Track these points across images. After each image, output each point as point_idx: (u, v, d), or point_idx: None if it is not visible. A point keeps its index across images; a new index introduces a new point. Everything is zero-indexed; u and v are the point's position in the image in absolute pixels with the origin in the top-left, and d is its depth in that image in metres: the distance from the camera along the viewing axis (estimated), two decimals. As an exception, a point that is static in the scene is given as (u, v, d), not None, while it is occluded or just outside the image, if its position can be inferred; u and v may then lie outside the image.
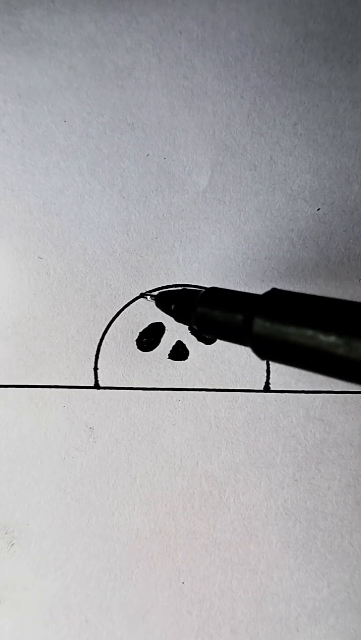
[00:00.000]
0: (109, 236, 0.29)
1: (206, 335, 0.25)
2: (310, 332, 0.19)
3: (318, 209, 0.29)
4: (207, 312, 0.23)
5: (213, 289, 0.24)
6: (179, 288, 0.28)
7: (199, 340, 0.29)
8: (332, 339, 0.18)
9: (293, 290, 0.28)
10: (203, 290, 0.24)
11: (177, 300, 0.25)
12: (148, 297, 0.28)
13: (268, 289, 0.28)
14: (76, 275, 0.29)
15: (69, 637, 0.30)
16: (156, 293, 0.28)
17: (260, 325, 0.21)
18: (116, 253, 0.29)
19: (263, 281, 0.29)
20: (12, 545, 0.30)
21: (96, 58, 0.28)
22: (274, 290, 0.22)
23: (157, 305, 0.27)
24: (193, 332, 0.29)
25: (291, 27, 0.28)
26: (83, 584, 0.30)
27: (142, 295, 0.28)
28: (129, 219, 0.29)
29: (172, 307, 0.25)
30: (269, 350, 0.21)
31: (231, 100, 0.28)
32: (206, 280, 0.29)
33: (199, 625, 0.30)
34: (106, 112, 0.29)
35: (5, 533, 0.30)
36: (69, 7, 0.28)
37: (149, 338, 0.30)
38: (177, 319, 0.26)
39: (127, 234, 0.29)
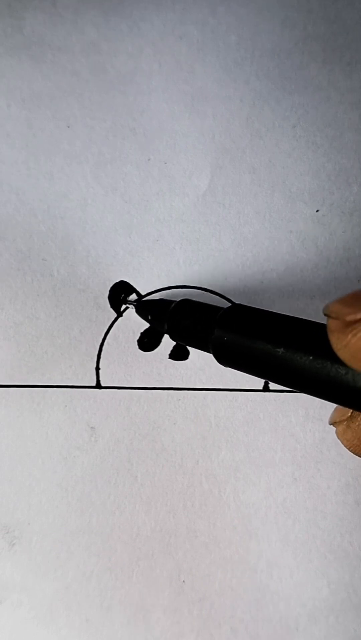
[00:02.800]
0: (112, 239, 0.28)
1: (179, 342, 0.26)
2: (261, 344, 0.20)
3: (317, 211, 0.27)
4: (176, 322, 0.25)
5: (184, 301, 0.25)
6: (158, 298, 0.28)
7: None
8: (280, 350, 0.20)
9: (294, 291, 0.27)
10: (176, 301, 0.25)
11: (153, 310, 0.26)
12: (130, 305, 0.28)
13: (267, 289, 0.28)
14: (79, 276, 0.28)
15: (69, 636, 0.29)
16: (135, 302, 0.28)
17: (219, 336, 0.22)
18: (118, 255, 0.28)
19: (262, 282, 0.28)
20: (13, 545, 0.29)
21: (98, 64, 0.27)
22: (235, 305, 0.24)
23: (137, 312, 0.27)
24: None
25: (290, 30, 0.26)
26: (83, 583, 0.29)
27: (125, 303, 0.28)
28: (131, 222, 0.28)
29: (149, 316, 0.26)
30: (227, 358, 0.23)
31: (230, 104, 0.27)
32: (206, 281, 0.28)
33: (199, 625, 0.28)
34: (108, 118, 0.27)
35: (7, 533, 0.29)
36: (71, 11, 0.26)
37: (150, 338, 0.28)
38: (153, 326, 0.27)
39: (129, 237, 0.28)
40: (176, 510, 0.28)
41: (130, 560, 0.28)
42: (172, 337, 0.26)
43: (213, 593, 0.28)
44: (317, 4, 0.26)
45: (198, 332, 0.24)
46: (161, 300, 0.27)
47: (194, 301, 0.25)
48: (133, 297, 0.28)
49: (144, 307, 0.27)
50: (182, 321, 0.24)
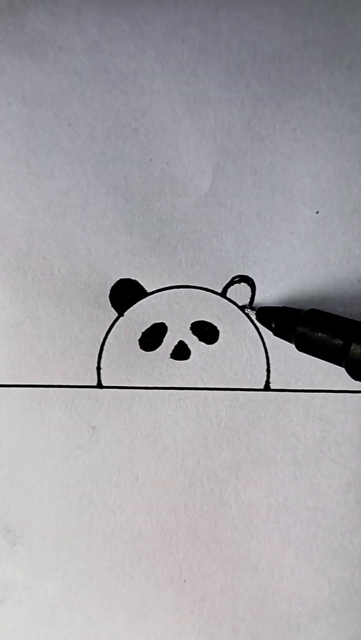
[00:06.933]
0: (113, 238, 0.28)
1: (303, 352, 0.25)
2: None
3: (317, 212, 0.27)
4: (307, 332, 0.24)
5: (313, 310, 0.25)
6: (280, 306, 0.27)
7: (200, 340, 0.28)
8: None
9: (294, 292, 0.27)
10: (303, 311, 0.25)
11: (277, 317, 0.26)
12: (249, 310, 0.28)
13: (267, 289, 0.28)
14: (80, 276, 0.28)
15: (70, 635, 0.28)
16: (257, 308, 0.27)
17: (356, 350, 0.22)
18: (119, 254, 0.28)
19: (263, 282, 0.28)
20: (15, 544, 0.28)
21: (100, 63, 0.27)
22: None
23: (258, 319, 0.27)
24: (195, 331, 0.28)
25: (291, 35, 0.26)
26: (85, 583, 0.28)
27: (243, 308, 0.28)
28: (133, 221, 0.28)
29: (273, 324, 0.26)
30: None
31: (232, 106, 0.27)
32: (207, 281, 0.28)
33: (200, 624, 0.28)
34: (110, 117, 0.27)
35: (8, 532, 0.28)
36: (72, 10, 0.26)
37: (151, 338, 0.28)
38: (276, 334, 0.26)
39: (131, 236, 0.28)
40: (178, 509, 0.28)
41: (131, 560, 0.28)
42: (298, 347, 0.25)
43: (214, 592, 0.28)
44: (317, 8, 0.26)
45: (332, 346, 0.23)
46: (285, 308, 0.26)
47: (323, 312, 0.25)
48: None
49: (268, 313, 0.26)
50: (313, 333, 0.24)
